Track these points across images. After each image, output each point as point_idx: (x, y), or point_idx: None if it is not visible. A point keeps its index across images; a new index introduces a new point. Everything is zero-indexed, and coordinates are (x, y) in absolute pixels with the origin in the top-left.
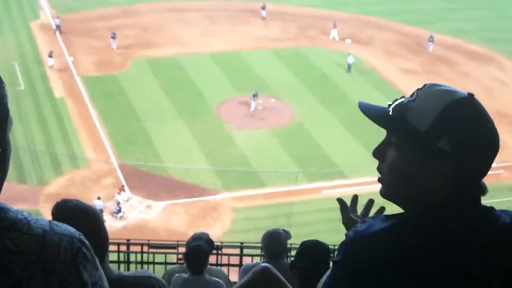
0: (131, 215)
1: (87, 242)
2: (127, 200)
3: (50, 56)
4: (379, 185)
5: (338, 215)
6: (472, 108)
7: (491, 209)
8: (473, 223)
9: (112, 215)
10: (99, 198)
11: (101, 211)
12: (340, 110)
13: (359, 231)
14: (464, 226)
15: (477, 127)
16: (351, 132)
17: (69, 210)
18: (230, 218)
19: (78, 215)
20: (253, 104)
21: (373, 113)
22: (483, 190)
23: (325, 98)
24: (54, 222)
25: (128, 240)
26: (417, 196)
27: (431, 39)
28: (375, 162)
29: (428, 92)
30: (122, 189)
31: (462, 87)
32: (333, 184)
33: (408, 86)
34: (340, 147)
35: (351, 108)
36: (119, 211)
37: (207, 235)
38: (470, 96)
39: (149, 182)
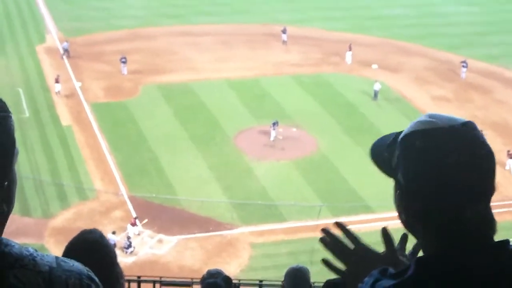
0: (142, 250)
1: (96, 279)
2: (138, 234)
3: (57, 81)
4: None
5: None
6: (433, 138)
7: (506, 243)
8: (488, 267)
9: (122, 250)
10: (114, 233)
11: (115, 245)
12: (366, 140)
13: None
14: (479, 273)
15: (432, 159)
16: None
17: (86, 246)
18: (248, 254)
19: (93, 254)
20: (273, 133)
21: (380, 157)
22: (488, 229)
23: (350, 128)
24: (62, 258)
25: (138, 277)
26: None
27: (464, 64)
28: None
29: (408, 125)
30: (134, 222)
31: (497, 114)
32: (359, 219)
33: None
34: (366, 179)
35: (375, 139)
36: (129, 245)
37: (222, 272)
38: (449, 126)
39: (161, 215)
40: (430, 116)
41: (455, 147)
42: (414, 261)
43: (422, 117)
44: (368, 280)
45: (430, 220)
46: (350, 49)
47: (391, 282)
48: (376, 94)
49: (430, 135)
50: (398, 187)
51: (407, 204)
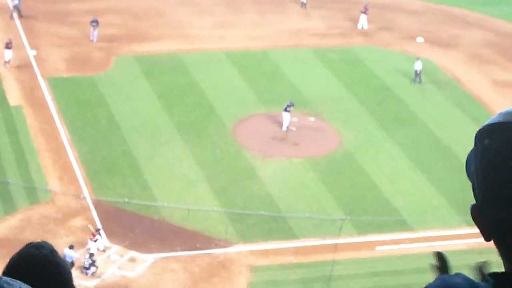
0: (107, 271)
1: None
2: (103, 251)
3: (8, 47)
4: (458, 242)
5: (399, 281)
6: (501, 136)
7: None
8: None
9: (81, 271)
10: (71, 247)
11: (72, 264)
12: (406, 136)
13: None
14: None
15: (497, 161)
16: (419, 166)
17: (32, 263)
18: (246, 280)
19: (42, 273)
20: (285, 122)
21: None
22: None
23: (384, 118)
24: (5, 279)
25: None
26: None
27: None
28: (452, 209)
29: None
30: (96, 234)
31: None
32: (391, 238)
33: (503, 104)
34: (403, 186)
35: (420, 133)
36: (91, 265)
37: None
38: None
39: (135, 227)
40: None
41: None
42: (492, 277)
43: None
44: None
45: (502, 234)
46: (365, 10)
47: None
48: (417, 75)
49: (499, 132)
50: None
51: (477, 214)
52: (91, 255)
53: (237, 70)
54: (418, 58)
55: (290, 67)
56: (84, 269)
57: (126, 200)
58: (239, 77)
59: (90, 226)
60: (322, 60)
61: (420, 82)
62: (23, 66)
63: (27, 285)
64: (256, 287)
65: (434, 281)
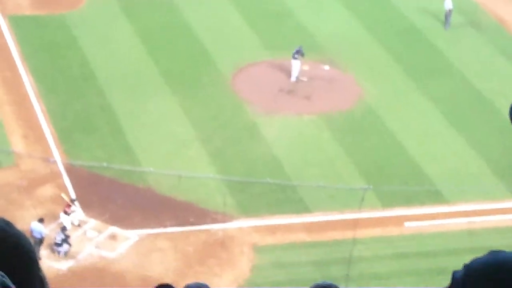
0: (83, 251)
1: (13, 287)
2: (78, 225)
3: None
4: (502, 217)
5: (432, 263)
6: None
7: None
8: None
9: (51, 250)
10: (41, 221)
11: (41, 241)
12: (439, 88)
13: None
14: None
15: None
16: (456, 125)
17: None
18: (250, 262)
19: (1, 247)
20: (294, 71)
21: None
22: None
23: (413, 67)
24: None
25: None
26: None
27: None
28: (495, 177)
29: None
30: (70, 205)
31: None
32: (423, 212)
33: None
34: (436, 150)
35: (457, 85)
36: (63, 241)
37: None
38: None
39: (115, 197)
40: None
41: None
42: None
43: None
44: None
45: None
46: None
47: None
48: (447, 16)
49: None
50: None
51: None
52: (64, 228)
53: (236, 8)
54: None
55: (300, 4)
56: (56, 246)
57: (105, 164)
58: (239, 16)
59: (63, 195)
60: None
61: (447, 26)
62: None
63: None
64: (260, 270)
65: (484, 255)
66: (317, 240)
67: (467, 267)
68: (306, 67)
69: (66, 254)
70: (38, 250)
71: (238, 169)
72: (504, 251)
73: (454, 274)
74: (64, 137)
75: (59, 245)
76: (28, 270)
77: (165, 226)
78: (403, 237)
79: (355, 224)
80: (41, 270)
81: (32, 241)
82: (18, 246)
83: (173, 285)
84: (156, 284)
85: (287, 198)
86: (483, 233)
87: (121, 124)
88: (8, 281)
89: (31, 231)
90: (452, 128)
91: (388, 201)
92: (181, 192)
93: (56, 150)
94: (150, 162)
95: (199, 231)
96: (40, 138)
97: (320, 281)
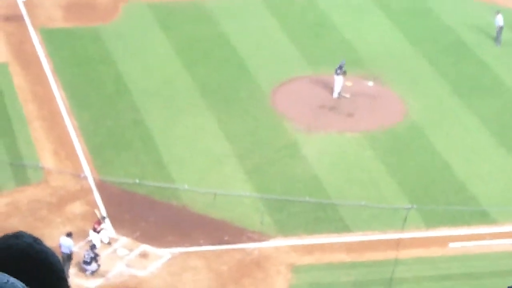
0: (113, 269)
1: None
2: (109, 243)
3: None
4: None
5: (477, 286)
6: None
7: None
8: None
9: (80, 268)
10: (68, 235)
11: (70, 258)
12: (487, 106)
13: None
14: None
15: None
16: (504, 143)
17: (15, 254)
18: (286, 282)
19: (29, 264)
20: (337, 87)
21: None
22: None
23: (460, 83)
24: None
25: None
26: None
27: None
28: None
29: None
30: (100, 222)
31: None
32: (468, 233)
33: None
34: (483, 169)
35: (506, 103)
36: (92, 260)
37: None
38: None
39: (147, 215)
40: None
41: None
42: None
43: None
44: None
45: None
46: None
47: None
48: (498, 34)
49: None
50: None
51: None
52: (93, 246)
53: (276, 20)
54: (498, 11)
55: (343, 17)
56: (84, 264)
57: (137, 181)
58: (280, 29)
59: (96, 211)
60: (382, 8)
61: (498, 43)
62: (11, 15)
63: (14, 279)
64: None
65: None
66: (357, 260)
67: None
68: (349, 83)
69: (94, 273)
70: (67, 267)
71: (276, 187)
72: None
73: None
74: (96, 153)
75: (88, 263)
76: (56, 286)
77: (198, 245)
78: (447, 258)
79: (397, 244)
80: (69, 286)
81: (60, 258)
82: (46, 263)
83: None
84: None
85: (327, 217)
86: None
87: (154, 139)
88: None
89: (60, 247)
90: (501, 147)
91: (432, 221)
92: (216, 210)
93: (87, 167)
94: (184, 179)
95: (234, 250)
96: (71, 154)
97: None
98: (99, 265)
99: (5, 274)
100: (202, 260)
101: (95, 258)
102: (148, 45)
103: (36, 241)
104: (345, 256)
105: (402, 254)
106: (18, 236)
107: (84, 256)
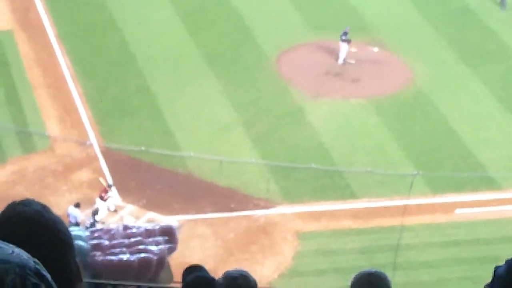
0: None
1: (48, 276)
2: (115, 211)
3: None
4: None
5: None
6: None
7: None
8: None
9: None
10: (77, 205)
11: (77, 225)
12: (494, 72)
13: None
14: None
15: None
16: (510, 110)
17: (23, 222)
18: (293, 249)
19: (37, 232)
20: (342, 53)
21: None
22: None
23: (467, 49)
24: None
25: (114, 285)
26: None
27: None
28: None
29: None
30: (106, 190)
31: None
32: (475, 199)
33: None
34: (490, 135)
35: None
36: (91, 226)
37: (249, 276)
38: None
39: (154, 182)
40: None
41: None
42: None
43: None
44: None
45: None
46: None
47: None
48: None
49: None
50: None
51: None
52: (94, 212)
53: None
54: None
55: None
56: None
57: (143, 148)
58: None
59: (101, 180)
60: None
61: (503, 7)
62: None
63: (19, 249)
64: (304, 257)
65: None
66: (363, 227)
67: (509, 263)
68: (354, 49)
69: None
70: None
71: (282, 154)
72: None
73: (497, 269)
74: (101, 120)
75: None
76: (64, 256)
77: (205, 212)
78: (453, 224)
79: (403, 211)
80: (74, 257)
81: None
82: (55, 231)
83: (203, 266)
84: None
85: (333, 184)
86: None
87: (160, 107)
88: (42, 268)
89: (68, 216)
90: (508, 113)
91: (438, 187)
92: (222, 177)
93: (93, 134)
94: (190, 146)
95: (241, 217)
96: (76, 121)
97: (366, 268)
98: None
99: (10, 245)
100: (209, 228)
101: (93, 224)
102: (153, 12)
103: (45, 208)
104: (351, 222)
105: (408, 220)
106: (26, 203)
107: (86, 223)
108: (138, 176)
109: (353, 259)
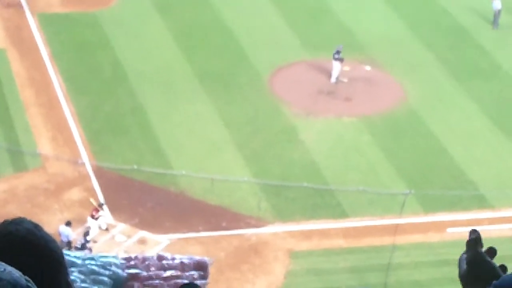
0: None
1: None
2: (107, 230)
3: None
4: None
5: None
6: None
7: None
8: None
9: None
10: (68, 224)
11: (69, 245)
12: (485, 90)
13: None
14: None
15: None
16: (502, 128)
17: (15, 241)
18: (284, 268)
19: (29, 251)
20: (334, 72)
21: None
22: None
23: (458, 68)
24: None
25: None
26: None
27: None
28: None
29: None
30: (97, 209)
31: None
32: (466, 218)
33: None
34: (481, 153)
35: (504, 87)
36: (83, 247)
37: None
38: None
39: (145, 201)
40: None
41: None
42: None
43: None
44: None
45: None
46: None
47: None
48: (496, 16)
49: None
50: None
51: None
52: (86, 233)
53: (273, 5)
54: None
55: (340, 1)
56: (76, 250)
57: (135, 167)
58: (277, 13)
59: (92, 200)
60: None
61: (495, 26)
62: (9, 0)
63: (11, 267)
64: (295, 277)
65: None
66: (354, 246)
67: (495, 284)
68: (346, 68)
69: None
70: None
71: (274, 173)
72: None
73: None
74: (94, 139)
75: (79, 250)
76: (56, 275)
77: (196, 231)
78: (445, 244)
79: (394, 230)
80: (69, 275)
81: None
82: (46, 250)
83: (198, 285)
84: None
85: (324, 203)
86: None
87: (152, 126)
88: (34, 286)
89: (59, 235)
90: (498, 131)
91: (430, 206)
92: (214, 196)
93: (85, 153)
94: (182, 165)
95: (232, 236)
96: (68, 140)
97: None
98: (90, 251)
99: (1, 263)
100: (200, 246)
101: (84, 245)
102: (146, 30)
103: (37, 227)
104: (343, 241)
105: (400, 239)
106: (18, 222)
107: (77, 243)
108: (130, 195)
109: (344, 279)
